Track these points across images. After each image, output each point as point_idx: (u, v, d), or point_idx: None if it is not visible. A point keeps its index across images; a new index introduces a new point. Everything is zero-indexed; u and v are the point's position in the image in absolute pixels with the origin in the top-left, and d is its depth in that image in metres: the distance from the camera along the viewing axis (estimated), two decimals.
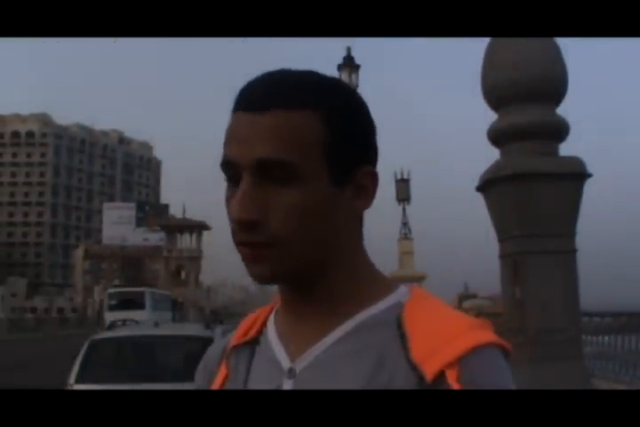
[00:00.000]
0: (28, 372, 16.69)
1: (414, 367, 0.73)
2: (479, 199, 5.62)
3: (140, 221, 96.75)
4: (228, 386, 0.84)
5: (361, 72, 16.62)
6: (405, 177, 32.86)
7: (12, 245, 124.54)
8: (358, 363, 0.76)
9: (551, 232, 5.18)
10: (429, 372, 0.72)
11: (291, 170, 0.74)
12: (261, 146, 0.74)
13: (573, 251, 5.25)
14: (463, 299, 31.18)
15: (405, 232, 33.01)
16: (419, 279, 31.68)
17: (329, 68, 16.97)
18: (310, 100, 0.77)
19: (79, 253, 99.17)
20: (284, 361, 0.81)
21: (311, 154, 0.76)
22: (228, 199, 0.77)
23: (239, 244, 0.77)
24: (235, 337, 0.88)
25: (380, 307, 0.80)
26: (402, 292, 0.83)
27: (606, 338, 11.30)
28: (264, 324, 0.88)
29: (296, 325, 0.83)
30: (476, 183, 5.61)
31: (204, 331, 7.13)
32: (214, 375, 0.88)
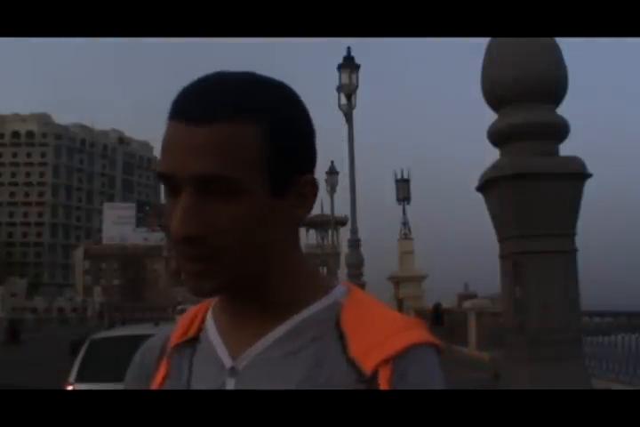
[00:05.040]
0: (28, 372, 16.67)
1: (353, 364, 0.75)
2: (479, 199, 5.62)
3: (140, 221, 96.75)
4: (169, 385, 0.84)
5: (361, 72, 16.63)
6: (405, 177, 32.99)
7: (12, 245, 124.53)
8: (297, 363, 0.77)
9: (551, 232, 5.17)
10: (368, 366, 0.74)
11: (230, 184, 0.74)
12: (200, 161, 0.73)
13: (573, 251, 5.24)
14: (463, 299, 31.13)
15: (405, 232, 33.08)
16: (419, 279, 31.72)
17: (329, 68, 16.97)
18: (249, 112, 0.75)
19: (79, 253, 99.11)
20: (226, 360, 0.81)
21: (251, 168, 0.75)
22: (169, 212, 0.77)
23: (181, 256, 0.77)
24: (175, 336, 0.88)
25: (317, 307, 0.81)
26: (339, 291, 0.83)
27: (606, 338, 11.30)
28: (202, 321, 0.88)
29: (236, 324, 0.83)
30: (475, 183, 5.61)
31: None
32: (151, 373, 0.88)
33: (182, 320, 0.90)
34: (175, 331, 0.89)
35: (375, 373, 0.74)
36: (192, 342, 0.86)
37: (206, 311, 0.89)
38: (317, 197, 0.83)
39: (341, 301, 0.82)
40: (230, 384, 0.79)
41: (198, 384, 0.82)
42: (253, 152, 0.75)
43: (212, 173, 0.73)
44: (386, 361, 0.74)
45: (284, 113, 0.78)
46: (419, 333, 0.77)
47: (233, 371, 0.80)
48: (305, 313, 0.81)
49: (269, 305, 0.82)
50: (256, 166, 0.75)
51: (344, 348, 0.76)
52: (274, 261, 0.80)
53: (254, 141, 0.75)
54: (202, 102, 0.75)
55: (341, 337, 0.77)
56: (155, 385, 0.85)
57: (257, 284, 0.81)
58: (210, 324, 0.87)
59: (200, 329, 0.87)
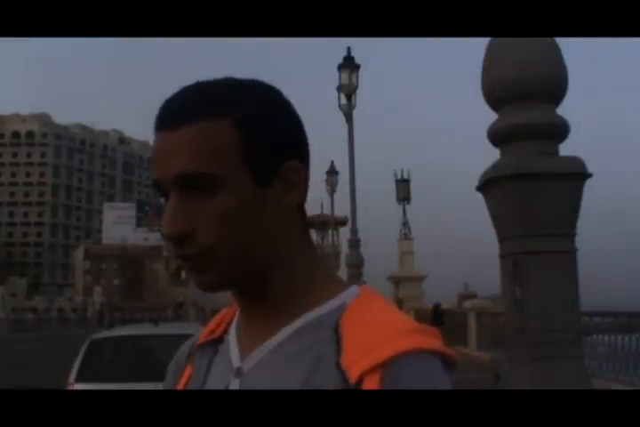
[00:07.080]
0: (27, 372, 16.68)
1: (342, 371, 0.73)
2: (479, 199, 5.62)
3: (140, 221, 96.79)
4: (191, 383, 0.87)
5: (361, 72, 16.62)
6: (405, 177, 33.00)
7: (12, 245, 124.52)
8: (297, 365, 0.77)
9: (551, 232, 5.17)
10: (353, 374, 0.72)
11: (211, 180, 0.76)
12: (177, 161, 0.76)
13: (573, 251, 5.24)
14: (463, 299, 31.12)
15: (405, 232, 33.11)
16: (419, 279, 31.72)
17: (329, 68, 16.96)
18: (219, 108, 0.78)
19: (79, 253, 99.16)
20: (235, 360, 0.83)
21: (228, 160, 0.77)
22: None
23: (176, 257, 0.79)
24: (202, 336, 0.90)
25: (324, 309, 0.80)
26: (350, 293, 0.82)
27: (606, 338, 11.31)
28: (230, 323, 0.90)
29: (248, 324, 0.85)
30: (476, 183, 5.61)
31: None
32: (181, 372, 0.90)
33: (212, 321, 0.92)
34: (203, 332, 0.91)
35: (360, 381, 0.71)
36: (216, 342, 0.88)
37: (235, 313, 0.90)
38: (310, 184, 0.83)
39: (348, 303, 0.80)
40: (235, 385, 0.80)
41: (210, 384, 0.84)
42: (226, 145, 0.77)
43: (188, 171, 0.75)
44: (372, 369, 0.71)
45: (256, 105, 0.79)
46: (415, 339, 0.73)
47: (239, 371, 0.81)
48: (310, 316, 0.80)
49: (276, 302, 0.82)
50: (232, 158, 0.77)
51: (338, 353, 0.75)
52: (273, 253, 0.81)
53: (225, 135, 0.77)
54: (174, 109, 0.79)
55: (338, 342, 0.76)
56: (181, 384, 0.88)
57: (259, 277, 0.81)
58: (233, 325, 0.88)
59: (226, 330, 0.89)
